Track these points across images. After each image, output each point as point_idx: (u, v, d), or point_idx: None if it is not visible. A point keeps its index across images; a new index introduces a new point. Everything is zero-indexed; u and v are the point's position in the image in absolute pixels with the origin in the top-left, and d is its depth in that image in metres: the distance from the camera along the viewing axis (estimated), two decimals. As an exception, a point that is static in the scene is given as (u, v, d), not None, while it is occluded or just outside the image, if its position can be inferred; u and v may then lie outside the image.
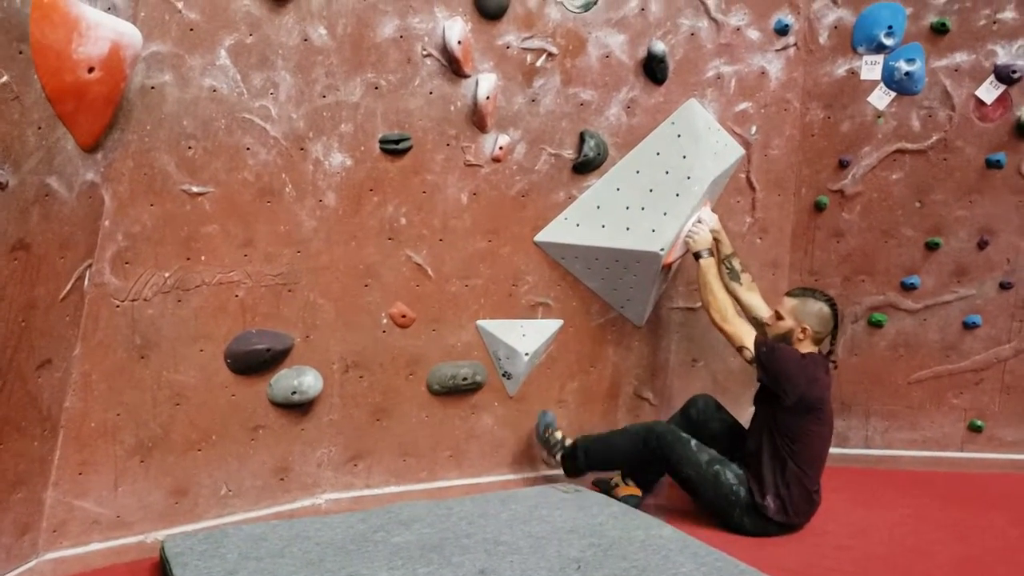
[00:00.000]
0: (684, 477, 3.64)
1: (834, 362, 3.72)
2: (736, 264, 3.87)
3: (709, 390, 4.26)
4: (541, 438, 3.92)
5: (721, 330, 3.67)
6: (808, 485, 3.57)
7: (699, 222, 3.75)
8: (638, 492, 3.82)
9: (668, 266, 3.85)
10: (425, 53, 3.52)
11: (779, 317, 3.67)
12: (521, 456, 4.03)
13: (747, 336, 3.61)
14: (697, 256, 3.74)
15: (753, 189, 4.12)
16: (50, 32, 2.62)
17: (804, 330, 3.61)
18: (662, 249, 3.70)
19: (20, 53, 2.56)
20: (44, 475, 3.12)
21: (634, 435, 3.75)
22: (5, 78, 2.52)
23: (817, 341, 3.65)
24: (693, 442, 3.65)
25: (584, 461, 3.82)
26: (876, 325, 4.30)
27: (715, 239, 3.81)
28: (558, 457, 3.87)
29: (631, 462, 3.79)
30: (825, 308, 3.63)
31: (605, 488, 3.86)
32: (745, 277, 3.88)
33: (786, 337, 3.64)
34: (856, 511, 3.85)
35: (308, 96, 3.38)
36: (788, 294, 3.75)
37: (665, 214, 3.72)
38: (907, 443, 4.40)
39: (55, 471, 3.14)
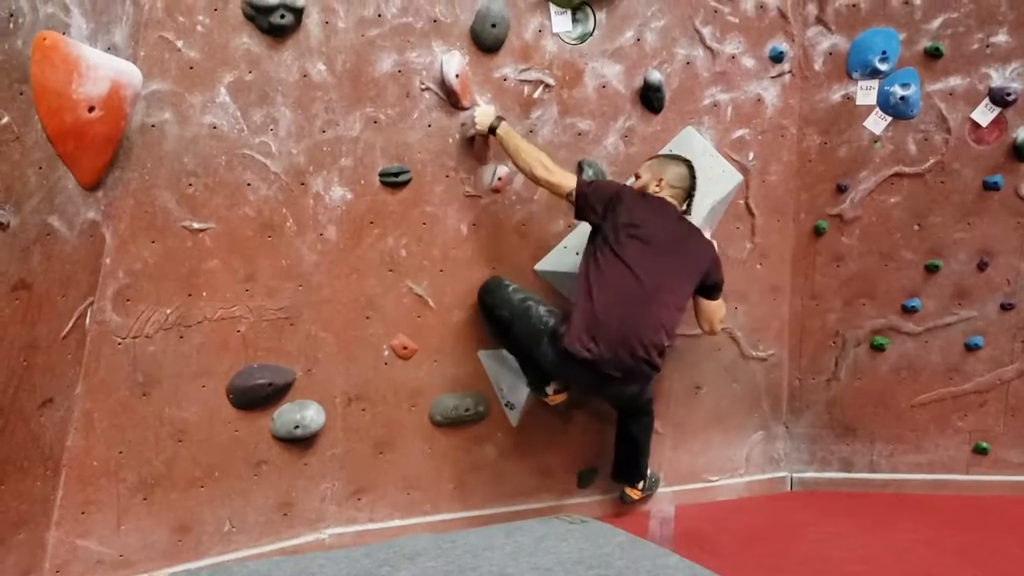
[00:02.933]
0: (502, 319, 3.58)
1: (688, 223, 3.61)
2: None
3: (713, 418, 4.26)
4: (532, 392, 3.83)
5: (548, 184, 3.50)
6: (593, 312, 3.35)
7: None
8: (560, 397, 3.78)
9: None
10: (423, 87, 3.55)
11: (637, 177, 3.63)
12: (526, 487, 4.01)
13: (569, 181, 3.48)
14: (492, 131, 3.55)
15: (752, 215, 4.13)
16: (50, 73, 2.65)
17: (659, 181, 3.55)
18: (663, 276, 3.69)
19: (21, 94, 2.58)
20: (47, 515, 3.11)
21: (482, 313, 3.74)
22: (6, 119, 2.54)
23: (675, 197, 3.57)
24: (510, 285, 3.66)
25: (528, 373, 3.74)
26: (878, 349, 4.29)
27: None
28: (547, 391, 3.77)
29: (502, 333, 3.67)
30: (682, 166, 3.61)
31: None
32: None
33: (642, 191, 3.57)
34: (863, 536, 3.83)
35: (308, 131, 3.40)
36: (648, 158, 3.73)
37: (665, 241, 3.72)
38: (912, 467, 4.37)
39: (57, 511, 3.13)
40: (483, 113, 3.57)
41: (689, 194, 3.62)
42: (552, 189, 3.51)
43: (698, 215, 3.75)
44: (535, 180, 3.53)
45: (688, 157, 3.77)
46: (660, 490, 4.22)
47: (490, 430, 3.92)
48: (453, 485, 3.90)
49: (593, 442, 4.09)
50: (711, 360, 4.22)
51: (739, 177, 3.99)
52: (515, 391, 3.85)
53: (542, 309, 3.54)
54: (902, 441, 4.36)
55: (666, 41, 3.84)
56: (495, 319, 3.64)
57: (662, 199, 3.52)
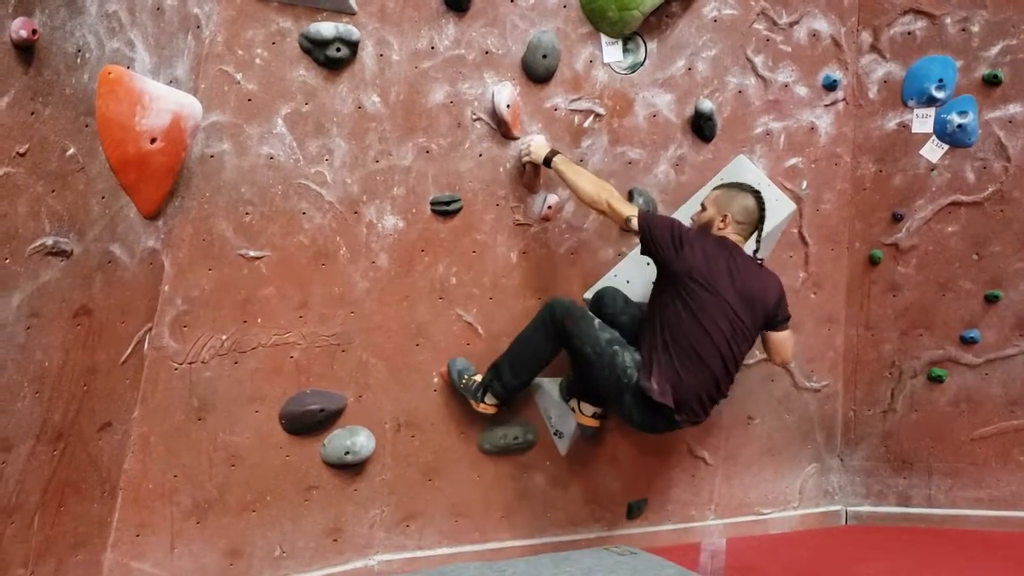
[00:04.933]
0: (583, 354, 3.42)
1: (760, 261, 3.48)
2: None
3: (765, 449, 4.20)
4: (461, 389, 3.66)
5: (606, 211, 3.41)
6: (674, 367, 3.28)
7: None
8: (594, 423, 3.72)
9: (720, 323, 3.81)
10: (475, 117, 3.59)
11: (703, 208, 3.49)
12: (574, 517, 3.98)
13: (630, 208, 3.39)
14: (548, 163, 3.52)
15: (806, 244, 4.08)
16: (115, 106, 2.73)
17: (724, 218, 3.40)
18: (714, 306, 3.66)
19: (86, 126, 2.67)
20: (103, 537, 3.16)
21: (539, 318, 3.55)
22: (72, 150, 2.62)
23: (741, 233, 3.42)
24: (597, 320, 3.47)
25: (508, 379, 3.57)
26: (936, 380, 4.20)
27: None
28: (485, 399, 3.62)
29: (549, 351, 3.56)
30: (749, 199, 3.42)
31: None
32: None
33: (708, 227, 3.44)
34: (921, 573, 3.72)
35: (362, 161, 3.46)
36: (714, 188, 3.58)
37: (716, 271, 3.69)
38: (973, 502, 4.25)
39: (114, 533, 3.19)
40: (538, 145, 3.58)
41: (757, 227, 3.48)
42: (612, 215, 3.42)
43: (751, 244, 3.71)
44: (594, 205, 3.45)
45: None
46: (711, 522, 4.17)
47: (539, 459, 3.91)
48: (501, 513, 3.89)
49: (643, 473, 4.05)
50: (763, 391, 4.16)
51: (792, 206, 3.95)
52: (564, 420, 3.84)
53: (627, 357, 3.37)
54: (961, 475, 4.25)
55: (717, 70, 3.83)
56: (574, 349, 3.47)
57: (724, 239, 3.38)
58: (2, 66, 2.34)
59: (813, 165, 4.04)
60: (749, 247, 3.44)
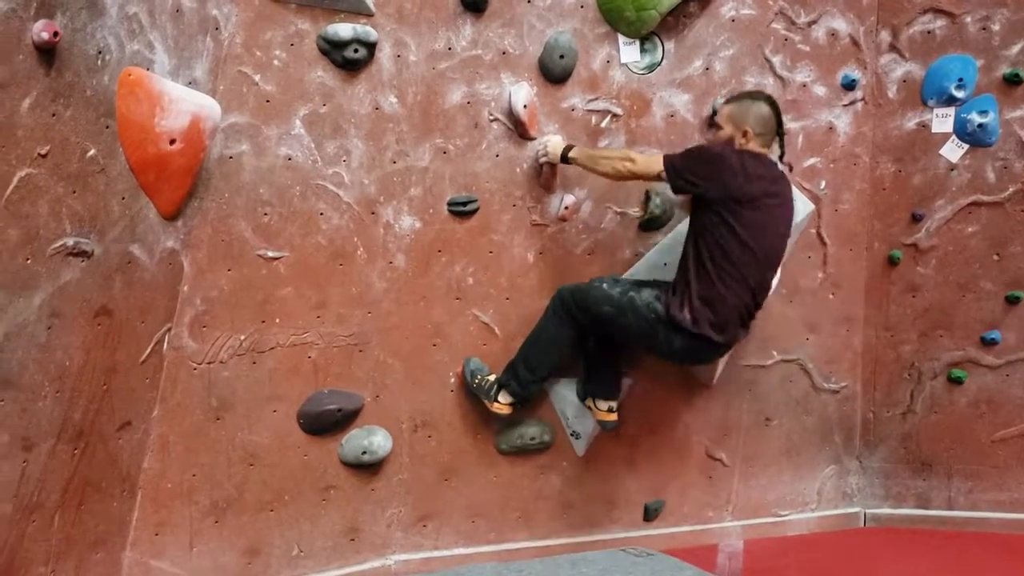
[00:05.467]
0: (604, 316, 3.38)
1: (789, 165, 3.47)
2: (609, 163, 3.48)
3: (783, 450, 4.18)
4: (475, 389, 3.65)
5: (638, 173, 3.34)
6: (716, 289, 3.23)
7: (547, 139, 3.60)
8: (612, 416, 3.70)
9: (738, 323, 3.80)
10: (492, 118, 3.59)
11: (718, 128, 3.41)
12: (591, 518, 3.97)
13: (655, 161, 3.32)
14: (566, 158, 3.51)
15: (824, 244, 4.06)
16: (135, 107, 2.75)
17: (745, 133, 3.30)
18: (732, 306, 3.65)
19: (107, 127, 2.69)
20: (123, 535, 3.19)
21: (550, 310, 3.54)
22: (92, 151, 2.64)
23: (763, 144, 3.34)
24: (604, 282, 3.44)
25: (524, 375, 3.55)
26: (956, 382, 4.16)
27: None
28: (500, 398, 3.60)
29: (564, 339, 3.53)
30: (764, 106, 3.34)
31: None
32: (624, 152, 3.52)
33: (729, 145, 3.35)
34: (942, 577, 3.71)
35: (379, 162, 3.47)
36: (724, 101, 3.50)
37: (734, 271, 3.68)
38: (994, 504, 4.21)
39: (133, 531, 3.21)
40: (555, 144, 3.57)
41: (778, 132, 3.38)
42: (645, 177, 3.36)
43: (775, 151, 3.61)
44: (624, 176, 3.39)
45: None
46: (729, 524, 4.16)
47: (555, 459, 3.90)
48: (518, 514, 3.89)
49: (660, 474, 4.04)
50: (781, 392, 4.14)
51: (811, 206, 3.93)
52: (581, 421, 3.83)
53: (645, 294, 3.35)
54: (982, 478, 4.21)
55: (735, 70, 3.82)
56: (594, 318, 3.43)
57: (754, 154, 3.28)
58: (24, 68, 2.36)
59: (832, 165, 4.02)
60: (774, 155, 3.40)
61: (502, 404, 3.60)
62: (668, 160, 3.29)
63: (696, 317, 3.26)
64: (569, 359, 3.66)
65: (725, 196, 3.19)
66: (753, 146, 3.32)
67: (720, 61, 3.79)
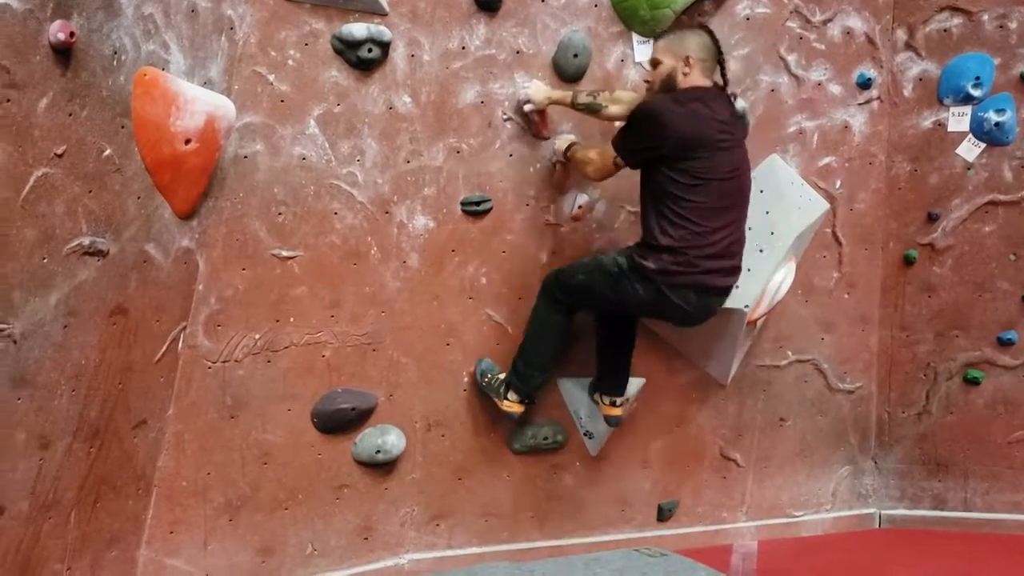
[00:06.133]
0: (581, 287, 3.37)
1: (734, 94, 3.40)
2: (588, 98, 3.46)
3: (798, 451, 4.16)
4: (485, 388, 3.65)
5: (603, 171, 3.35)
6: (683, 237, 3.14)
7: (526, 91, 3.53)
8: (618, 411, 3.67)
9: (753, 323, 3.79)
10: (505, 117, 3.59)
11: (655, 64, 3.27)
12: (605, 518, 3.97)
13: (607, 150, 3.28)
14: (567, 154, 3.51)
15: (839, 243, 4.04)
16: (150, 107, 2.76)
17: (687, 60, 3.19)
18: (746, 306, 3.64)
19: (123, 127, 2.70)
20: (137, 533, 3.20)
21: (538, 299, 3.53)
22: (108, 151, 2.65)
23: (706, 71, 3.23)
24: (582, 259, 3.52)
25: (523, 369, 3.53)
26: (972, 382, 4.14)
27: (552, 103, 3.52)
28: (509, 396, 3.56)
29: (554, 325, 3.50)
30: (701, 34, 3.25)
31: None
32: (604, 95, 3.46)
33: (670, 80, 3.21)
34: (958, 579, 3.68)
35: (393, 162, 3.47)
36: (655, 38, 3.45)
37: (749, 270, 3.65)
38: (1010, 506, 4.19)
39: (148, 529, 3.22)
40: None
41: (719, 58, 3.27)
42: (608, 169, 3.32)
43: (783, 244, 3.68)
44: (601, 175, 3.39)
45: (773, 186, 3.73)
46: (743, 524, 4.14)
47: (569, 459, 3.90)
48: (532, 513, 3.89)
49: (674, 474, 4.04)
50: (796, 392, 4.13)
51: (826, 205, 3.92)
52: (594, 421, 3.83)
53: (612, 254, 3.36)
54: (999, 479, 4.18)
55: (750, 68, 3.80)
56: (572, 289, 3.41)
57: (692, 90, 3.18)
58: (41, 69, 2.37)
59: (847, 164, 4.00)
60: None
61: (511, 402, 3.58)
62: (615, 142, 3.25)
63: (662, 267, 3.18)
64: (565, 346, 3.63)
65: (678, 149, 3.10)
66: (696, 75, 3.21)
67: (735, 60, 3.77)
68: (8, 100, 2.30)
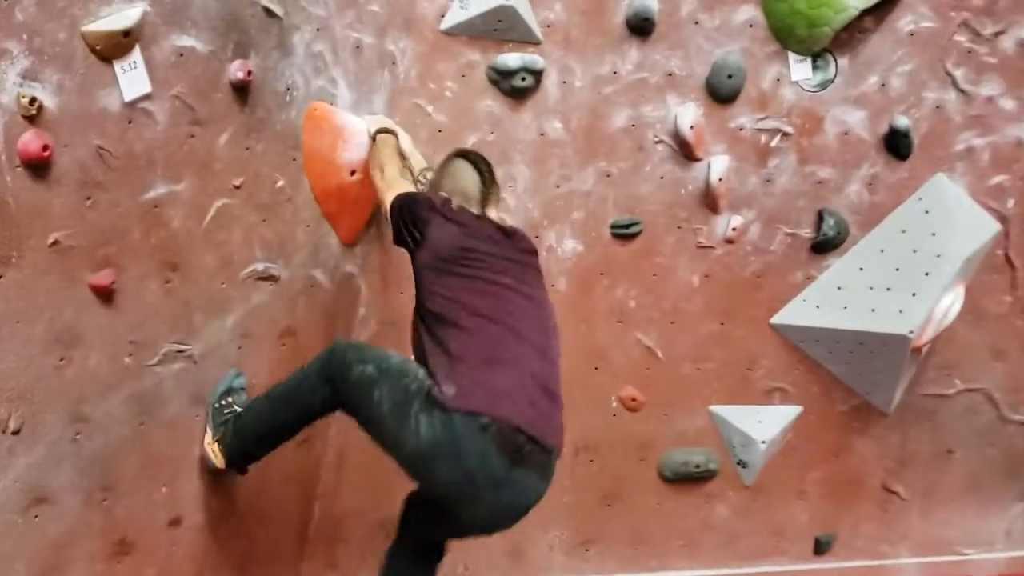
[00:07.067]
0: (362, 380, 2.43)
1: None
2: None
3: (967, 485, 3.93)
4: (213, 412, 2.70)
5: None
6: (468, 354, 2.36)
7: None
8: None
9: (918, 349, 3.62)
10: (656, 140, 3.56)
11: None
12: (759, 549, 3.86)
13: (393, 192, 2.70)
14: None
15: (1012, 267, 3.80)
16: (319, 140, 2.89)
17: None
18: (911, 331, 3.48)
19: (294, 160, 2.84)
20: (300, 548, 3.33)
21: (313, 363, 2.58)
22: (281, 182, 2.80)
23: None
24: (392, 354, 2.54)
25: (257, 436, 2.64)
26: None
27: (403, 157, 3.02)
28: (222, 443, 2.66)
29: (302, 400, 2.60)
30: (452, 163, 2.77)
31: None
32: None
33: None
34: None
35: (543, 187, 3.50)
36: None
37: (914, 294, 3.51)
38: None
39: (309, 545, 3.34)
40: (372, 120, 3.07)
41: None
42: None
43: (951, 267, 3.50)
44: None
45: (940, 206, 3.57)
46: (905, 560, 3.95)
47: (721, 488, 3.81)
48: (682, 542, 3.82)
49: (832, 506, 3.88)
50: (964, 422, 3.90)
51: (997, 226, 3.70)
52: (749, 449, 3.73)
53: (417, 368, 2.45)
54: None
55: (914, 85, 3.64)
56: (350, 377, 2.47)
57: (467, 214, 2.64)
58: (222, 106, 2.54)
59: (1020, 182, 3.76)
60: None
61: (217, 451, 2.67)
62: (395, 201, 2.69)
63: (459, 391, 2.31)
64: (291, 434, 2.74)
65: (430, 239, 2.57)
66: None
67: (897, 76, 3.62)
68: (192, 136, 2.47)
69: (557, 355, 2.64)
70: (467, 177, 2.74)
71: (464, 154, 2.84)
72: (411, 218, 2.60)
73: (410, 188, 2.81)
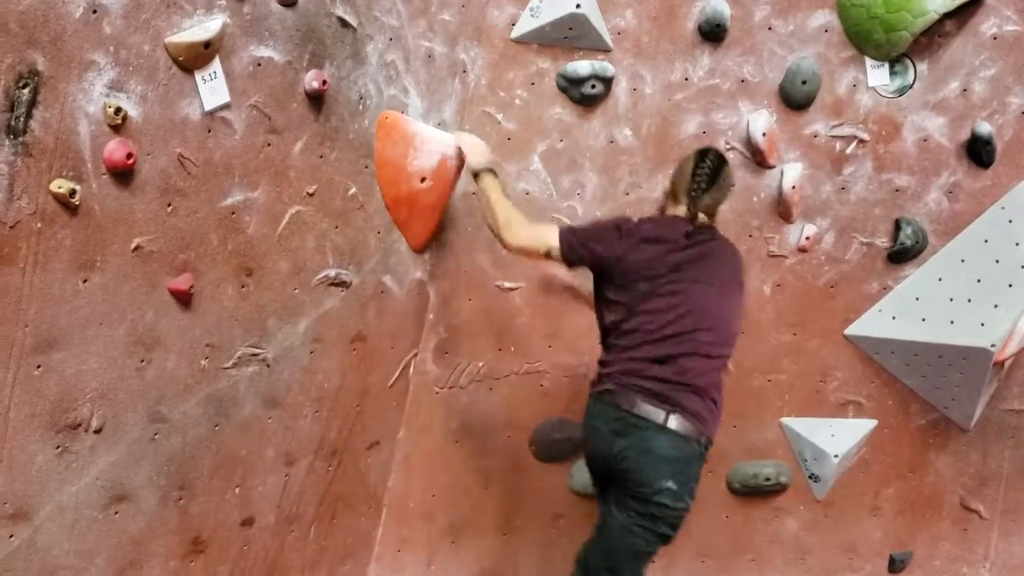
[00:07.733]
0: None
1: (703, 224, 2.81)
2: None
3: (1054, 505, 3.79)
4: None
5: (520, 248, 2.81)
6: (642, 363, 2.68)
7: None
8: None
9: (1000, 363, 3.49)
10: (728, 147, 3.52)
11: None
12: (830, 565, 3.77)
13: (549, 234, 2.75)
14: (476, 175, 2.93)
15: (1101, 278, 3.65)
16: (390, 148, 2.93)
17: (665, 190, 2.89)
18: (993, 345, 3.36)
19: (366, 167, 2.89)
20: (368, 550, 3.38)
21: None
22: (353, 190, 2.84)
23: (673, 195, 2.85)
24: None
25: None
26: None
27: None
28: None
29: None
30: (687, 158, 2.86)
31: None
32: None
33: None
34: None
35: (612, 194, 3.49)
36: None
37: (996, 306, 3.40)
38: None
39: (378, 547, 3.39)
40: (472, 146, 3.00)
41: (693, 188, 2.78)
42: (527, 253, 2.84)
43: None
44: (505, 242, 2.83)
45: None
46: (986, 582, 3.82)
47: (792, 502, 3.74)
48: (751, 556, 3.75)
49: (908, 523, 3.77)
50: (1051, 440, 3.76)
51: (1084, 235, 3.56)
52: (821, 463, 3.65)
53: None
54: None
55: (997, 90, 3.52)
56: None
57: (670, 224, 2.79)
58: (297, 115, 2.59)
59: (1110, 191, 3.62)
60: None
61: None
62: (564, 233, 2.78)
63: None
64: None
65: (620, 262, 2.72)
66: (670, 204, 2.89)
67: (980, 81, 3.51)
68: (269, 144, 2.53)
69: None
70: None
71: (700, 152, 2.90)
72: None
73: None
